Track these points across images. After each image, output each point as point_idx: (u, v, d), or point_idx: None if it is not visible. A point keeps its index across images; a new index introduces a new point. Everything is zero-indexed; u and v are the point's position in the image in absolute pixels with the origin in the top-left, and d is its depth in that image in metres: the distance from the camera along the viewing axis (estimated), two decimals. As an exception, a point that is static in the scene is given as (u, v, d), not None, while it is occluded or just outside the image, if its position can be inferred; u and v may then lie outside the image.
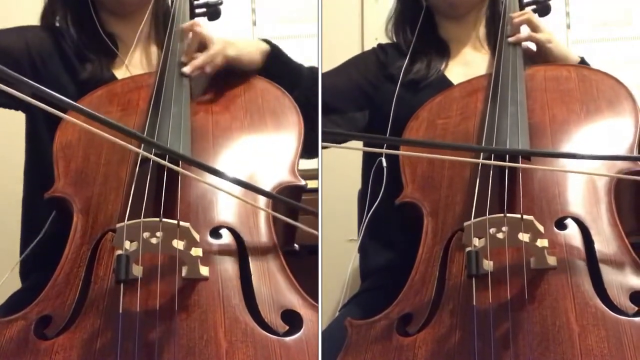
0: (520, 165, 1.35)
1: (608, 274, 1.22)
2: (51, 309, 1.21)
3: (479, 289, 1.19)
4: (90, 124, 1.18)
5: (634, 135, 1.44)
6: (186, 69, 1.58)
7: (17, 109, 1.68)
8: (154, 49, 1.77)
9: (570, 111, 1.50)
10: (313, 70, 1.71)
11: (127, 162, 1.41)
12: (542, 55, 1.70)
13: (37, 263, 1.53)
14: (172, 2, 1.78)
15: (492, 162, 1.35)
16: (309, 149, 1.52)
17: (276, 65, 1.67)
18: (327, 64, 1.76)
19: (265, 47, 1.67)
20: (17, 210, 1.70)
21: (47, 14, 1.75)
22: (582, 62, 1.71)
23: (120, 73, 1.69)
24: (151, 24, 1.78)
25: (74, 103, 1.21)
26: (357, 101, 1.74)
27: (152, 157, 1.29)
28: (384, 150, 1.53)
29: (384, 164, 1.58)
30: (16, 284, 1.59)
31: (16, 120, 1.71)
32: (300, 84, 1.63)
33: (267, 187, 1.40)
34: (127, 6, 1.75)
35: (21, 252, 1.60)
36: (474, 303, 1.18)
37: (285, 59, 1.70)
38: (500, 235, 1.21)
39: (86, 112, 1.20)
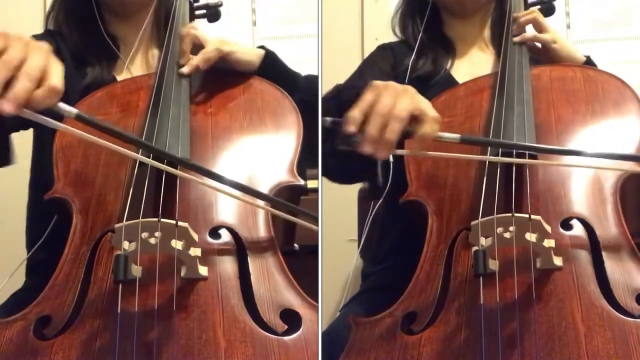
0: (527, 161, 1.33)
1: (614, 274, 1.21)
2: (50, 310, 1.21)
3: (484, 288, 1.18)
4: (88, 132, 1.16)
5: (640, 136, 1.43)
6: (184, 69, 1.56)
7: (27, 129, 1.66)
8: (155, 51, 1.77)
9: (575, 112, 1.49)
10: (310, 79, 1.69)
11: (126, 163, 1.40)
12: (548, 55, 1.69)
13: (41, 265, 1.53)
14: (173, 3, 1.76)
15: (500, 158, 1.34)
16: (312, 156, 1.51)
17: (272, 68, 1.65)
18: (327, 64, 1.75)
19: (261, 50, 1.66)
20: (20, 214, 1.69)
21: (51, 18, 1.74)
22: (588, 61, 1.69)
23: (121, 75, 1.69)
24: (153, 26, 1.78)
25: (62, 124, 1.16)
26: None
27: (150, 161, 1.27)
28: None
29: (391, 159, 1.57)
30: (16, 285, 1.58)
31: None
32: (296, 90, 1.61)
33: (267, 187, 1.39)
34: (131, 7, 1.75)
35: (28, 257, 1.60)
36: (482, 302, 1.17)
37: (280, 63, 1.68)
38: (507, 235, 1.19)
39: (85, 120, 1.17)
